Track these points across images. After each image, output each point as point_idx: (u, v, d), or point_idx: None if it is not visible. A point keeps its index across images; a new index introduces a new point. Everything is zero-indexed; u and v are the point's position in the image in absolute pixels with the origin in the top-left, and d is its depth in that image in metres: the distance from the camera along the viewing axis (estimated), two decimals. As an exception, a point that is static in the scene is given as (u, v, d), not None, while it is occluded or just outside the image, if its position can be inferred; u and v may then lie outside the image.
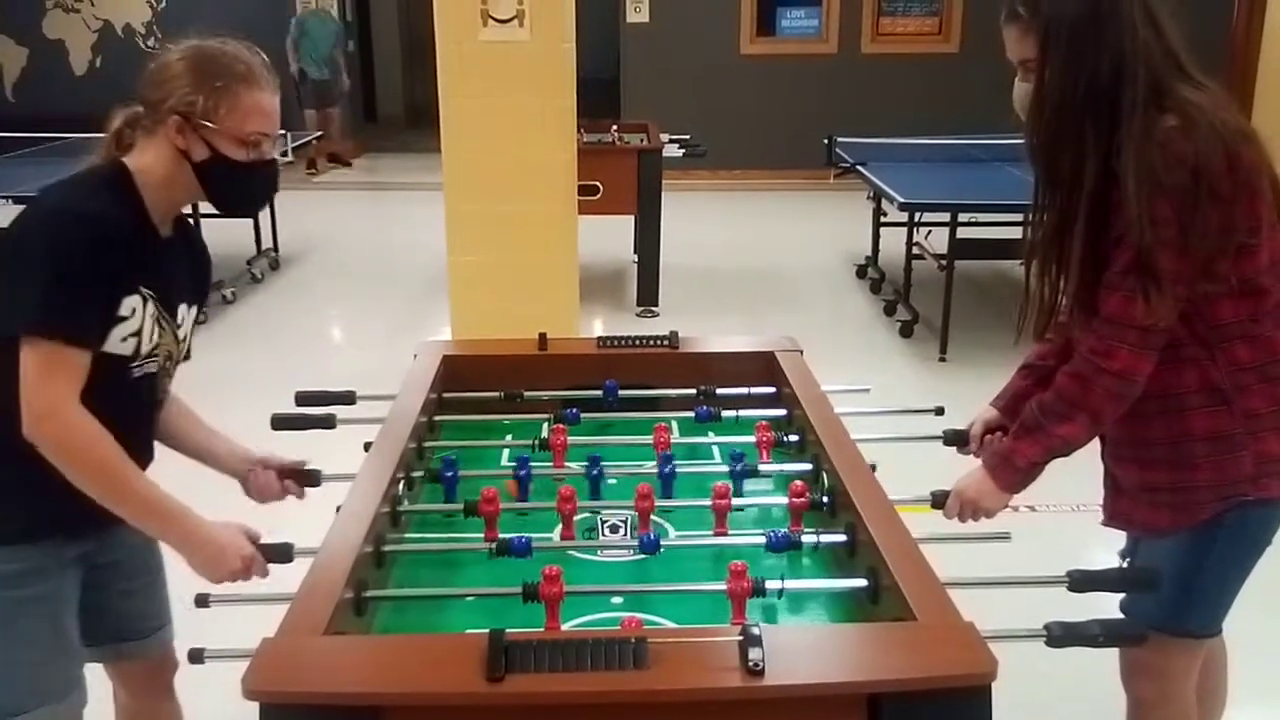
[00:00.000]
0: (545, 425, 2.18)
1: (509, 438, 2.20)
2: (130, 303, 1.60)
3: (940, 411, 2.23)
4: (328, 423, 2.20)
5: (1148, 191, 1.56)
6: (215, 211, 1.73)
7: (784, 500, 1.82)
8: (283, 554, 1.68)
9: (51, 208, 1.57)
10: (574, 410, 2.22)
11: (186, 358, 1.82)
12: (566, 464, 2.01)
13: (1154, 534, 1.78)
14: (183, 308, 1.75)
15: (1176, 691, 1.83)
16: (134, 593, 1.86)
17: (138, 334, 1.63)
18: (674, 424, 2.22)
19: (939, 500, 1.87)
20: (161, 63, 1.65)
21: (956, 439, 2.09)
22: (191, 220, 1.85)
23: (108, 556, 1.78)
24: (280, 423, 2.19)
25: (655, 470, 1.94)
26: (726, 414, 2.24)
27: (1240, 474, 1.68)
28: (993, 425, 2.04)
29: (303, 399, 2.32)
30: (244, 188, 1.70)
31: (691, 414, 2.24)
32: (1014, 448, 1.76)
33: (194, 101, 1.60)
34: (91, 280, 1.54)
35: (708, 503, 1.80)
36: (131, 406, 1.68)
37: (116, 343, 1.59)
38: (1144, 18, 1.61)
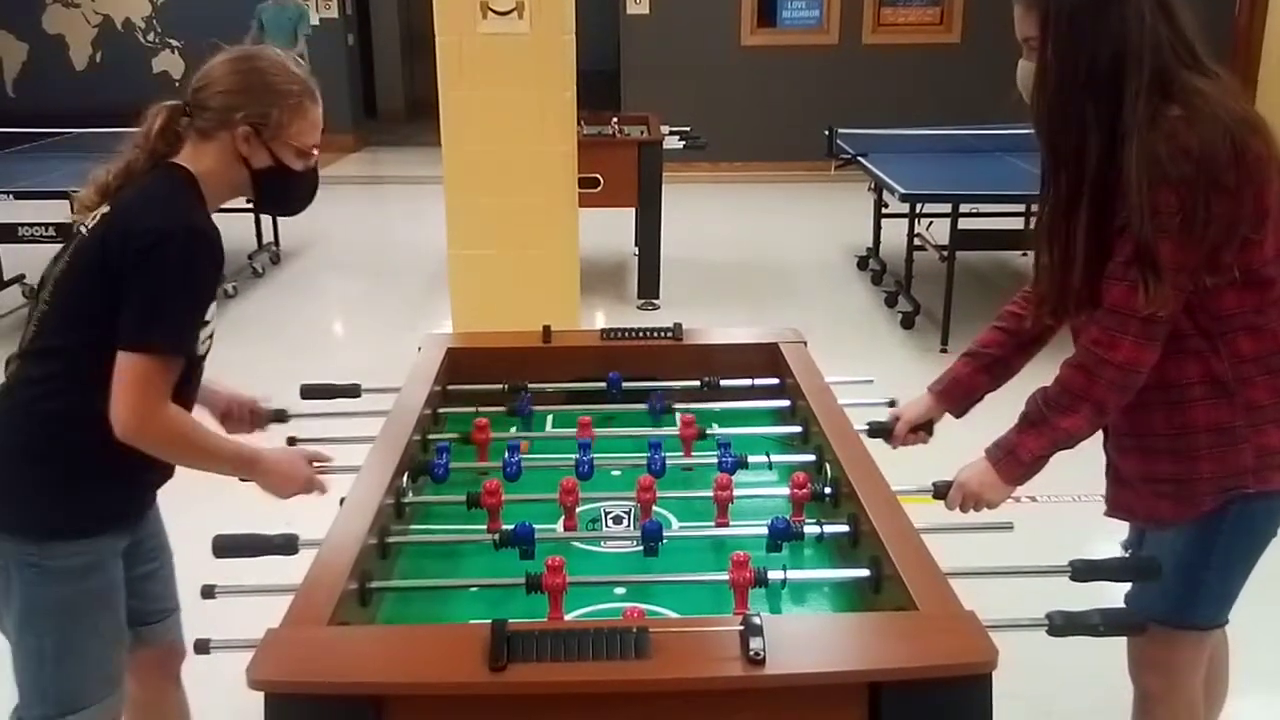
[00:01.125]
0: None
1: (513, 430, 2.21)
2: (212, 308, 1.74)
3: (893, 404, 2.20)
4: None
5: (1150, 180, 1.56)
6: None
7: (786, 491, 1.83)
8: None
9: (180, 228, 1.65)
10: (527, 397, 2.24)
11: None
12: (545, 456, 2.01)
13: (1157, 525, 1.79)
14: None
15: (1183, 683, 1.83)
16: (151, 575, 1.92)
17: (211, 333, 1.79)
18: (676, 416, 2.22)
19: (941, 491, 1.87)
20: (225, 72, 1.75)
21: (881, 431, 2.08)
22: None
23: (136, 540, 1.86)
24: (309, 392, 2.28)
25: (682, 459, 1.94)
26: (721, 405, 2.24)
27: (1242, 466, 1.68)
28: (917, 423, 2.05)
29: (307, 392, 2.32)
30: (296, 193, 1.85)
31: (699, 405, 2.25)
32: (1018, 441, 1.76)
33: (268, 115, 1.73)
34: (202, 299, 1.70)
35: (706, 493, 1.81)
36: (193, 384, 1.84)
37: (201, 344, 1.76)
38: (1154, 6, 1.60)
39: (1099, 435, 1.81)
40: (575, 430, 2.08)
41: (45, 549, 1.67)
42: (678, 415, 2.19)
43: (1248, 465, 1.68)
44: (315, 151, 1.81)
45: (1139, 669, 1.87)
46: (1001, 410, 1.91)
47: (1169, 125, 1.55)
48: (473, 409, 2.23)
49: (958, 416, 2.06)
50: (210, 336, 1.79)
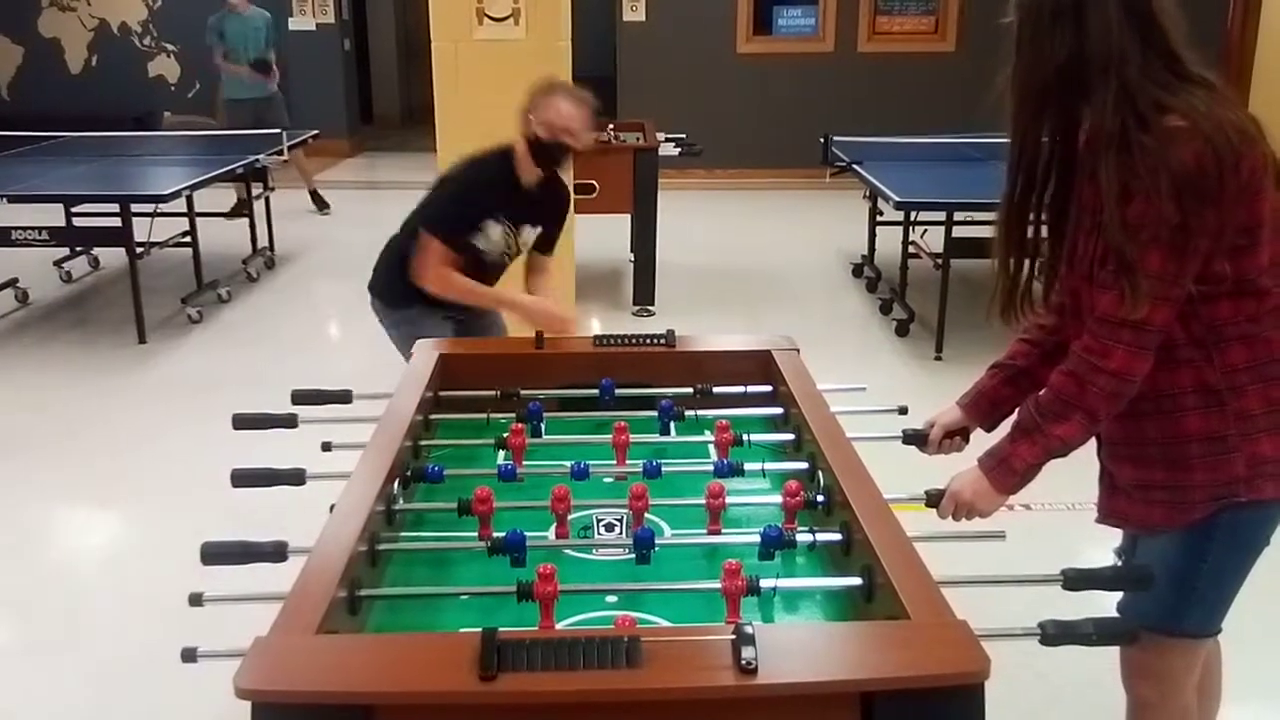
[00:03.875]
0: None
1: (499, 436, 2.20)
2: (490, 222, 3.15)
3: (904, 411, 2.23)
4: (344, 398, 2.32)
5: (1137, 192, 1.55)
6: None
7: (779, 499, 1.82)
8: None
9: (490, 171, 3.22)
10: (536, 405, 2.22)
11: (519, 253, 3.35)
12: (539, 463, 2.01)
13: (1149, 532, 1.78)
14: (527, 228, 3.26)
15: (1176, 691, 1.83)
16: None
17: (490, 238, 3.18)
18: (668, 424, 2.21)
19: (933, 499, 1.86)
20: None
21: (915, 439, 2.09)
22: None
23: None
24: (300, 398, 2.30)
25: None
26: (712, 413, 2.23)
27: (1233, 475, 1.67)
28: (952, 428, 2.05)
29: (299, 398, 2.32)
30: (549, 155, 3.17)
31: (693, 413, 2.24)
32: (1011, 450, 1.75)
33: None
34: (465, 208, 3.17)
35: (701, 501, 1.80)
36: (490, 271, 3.27)
37: (480, 241, 3.16)
38: (1123, 17, 1.59)
39: (1092, 443, 1.81)
40: (571, 437, 2.07)
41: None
42: (689, 419, 2.18)
43: (1240, 474, 1.67)
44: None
45: (1132, 677, 1.86)
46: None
47: (1162, 135, 1.55)
48: (484, 415, 2.23)
49: (988, 430, 2.03)
50: (495, 245, 3.17)
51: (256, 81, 7.69)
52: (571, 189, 3.09)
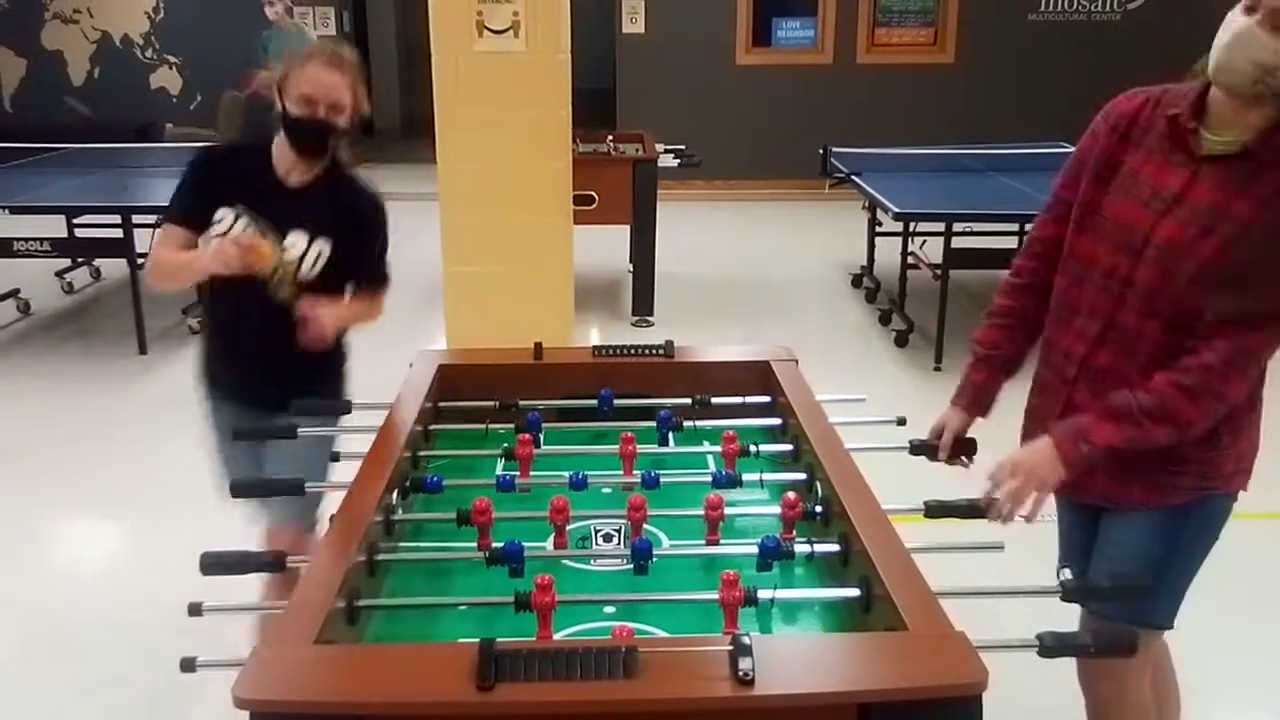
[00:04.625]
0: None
1: (504, 447, 2.20)
2: (223, 212, 2.29)
3: (902, 422, 2.23)
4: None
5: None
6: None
7: (777, 510, 1.83)
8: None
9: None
10: (534, 415, 2.22)
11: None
12: (538, 474, 2.01)
13: (1115, 505, 1.81)
14: (294, 234, 2.30)
15: (1132, 687, 1.87)
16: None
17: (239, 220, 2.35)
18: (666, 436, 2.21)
19: (932, 510, 1.86)
20: None
21: (924, 449, 2.08)
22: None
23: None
24: (300, 409, 2.24)
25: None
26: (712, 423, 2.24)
27: (1221, 470, 1.73)
28: (961, 433, 2.05)
29: (298, 409, 2.31)
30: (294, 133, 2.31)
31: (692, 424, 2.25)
32: (1093, 425, 1.72)
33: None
34: (188, 189, 2.38)
35: (700, 512, 1.80)
36: (244, 292, 2.25)
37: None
38: None
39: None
40: (570, 448, 2.07)
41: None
42: (688, 429, 2.19)
43: (1227, 470, 1.73)
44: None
45: (1090, 678, 1.90)
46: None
47: None
48: (482, 426, 2.23)
49: (984, 416, 2.05)
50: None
51: None
52: (381, 202, 2.46)
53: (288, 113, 2.25)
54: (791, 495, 1.82)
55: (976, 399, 2.02)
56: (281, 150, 2.31)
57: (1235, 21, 1.58)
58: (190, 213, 2.31)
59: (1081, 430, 1.74)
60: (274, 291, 2.21)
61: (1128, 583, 1.73)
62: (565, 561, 1.77)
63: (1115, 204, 1.75)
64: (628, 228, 6.04)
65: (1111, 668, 1.85)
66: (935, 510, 1.86)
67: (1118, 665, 1.83)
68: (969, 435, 2.07)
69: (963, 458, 2.06)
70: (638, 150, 6.09)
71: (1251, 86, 1.57)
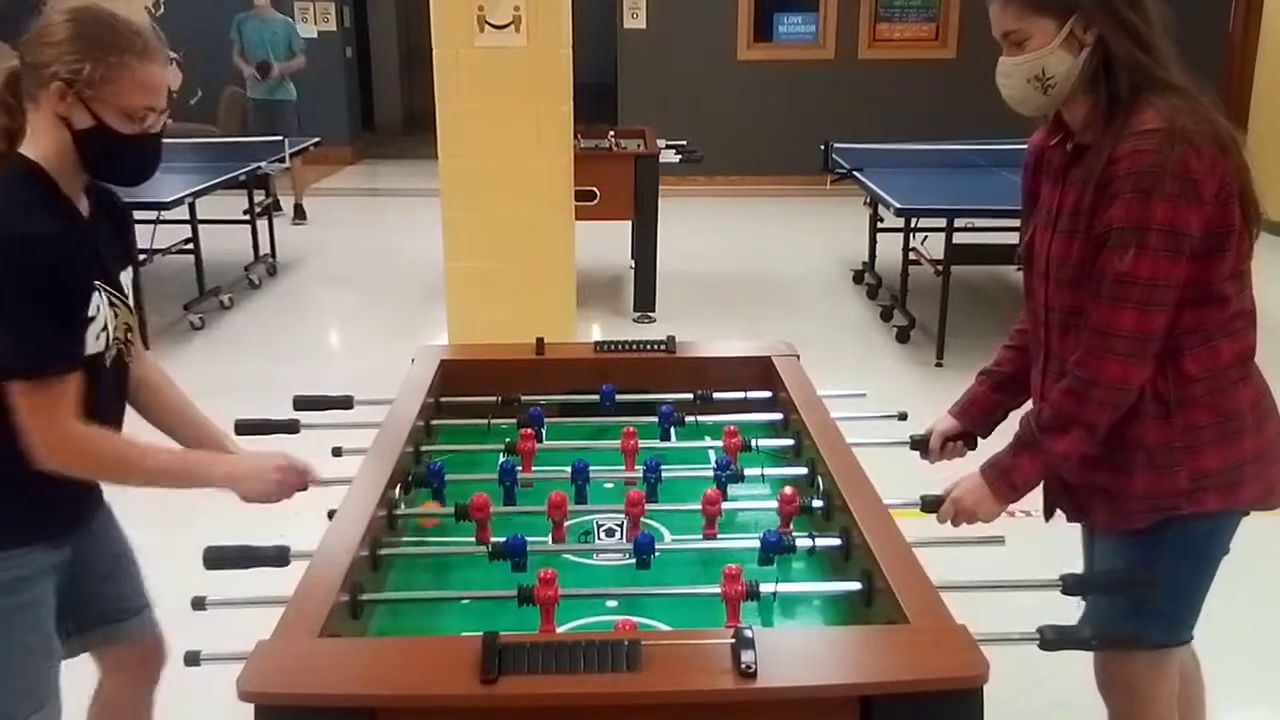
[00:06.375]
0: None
1: (506, 442, 2.20)
2: (94, 301, 1.61)
3: (903, 417, 2.25)
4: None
5: (1121, 193, 1.57)
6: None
7: (776, 505, 1.83)
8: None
9: (3, 239, 1.51)
10: (536, 410, 2.22)
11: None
12: (540, 469, 2.02)
13: (1087, 523, 1.84)
14: (123, 276, 1.74)
15: (1151, 700, 1.81)
16: (109, 577, 1.88)
17: (104, 326, 1.64)
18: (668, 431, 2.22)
19: (930, 505, 1.87)
20: (47, 24, 1.59)
21: (920, 445, 2.10)
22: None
23: (79, 550, 1.79)
24: (302, 403, 2.30)
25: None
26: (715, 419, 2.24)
27: (1176, 488, 1.68)
28: (950, 434, 2.06)
29: (300, 404, 2.32)
30: (127, 161, 1.65)
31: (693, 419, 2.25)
32: (1013, 464, 1.76)
33: (80, 69, 1.55)
34: (61, 305, 1.55)
35: (698, 507, 1.81)
36: (112, 390, 1.72)
37: (91, 343, 1.62)
38: (1124, 16, 1.61)
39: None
40: (572, 443, 2.07)
41: None
42: (690, 424, 2.19)
43: (1182, 488, 1.67)
44: (149, 115, 1.62)
45: (1105, 689, 1.87)
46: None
47: (1139, 139, 1.56)
48: (484, 421, 2.23)
49: (984, 436, 2.06)
50: (110, 333, 1.64)
51: (260, 82, 7.78)
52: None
53: (110, 130, 1.58)
54: (789, 490, 1.83)
55: (966, 408, 2.05)
56: (68, 173, 1.62)
57: (998, 65, 1.72)
58: (80, 344, 1.59)
59: (1004, 469, 1.77)
60: (123, 365, 1.73)
61: (1130, 578, 1.73)
62: (567, 556, 1.77)
63: (1034, 235, 1.80)
64: (629, 223, 6.05)
65: (1120, 681, 1.82)
66: (931, 505, 1.87)
67: (1129, 678, 1.81)
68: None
69: (959, 443, 2.07)
70: (639, 146, 6.09)
71: (1045, 98, 1.68)
